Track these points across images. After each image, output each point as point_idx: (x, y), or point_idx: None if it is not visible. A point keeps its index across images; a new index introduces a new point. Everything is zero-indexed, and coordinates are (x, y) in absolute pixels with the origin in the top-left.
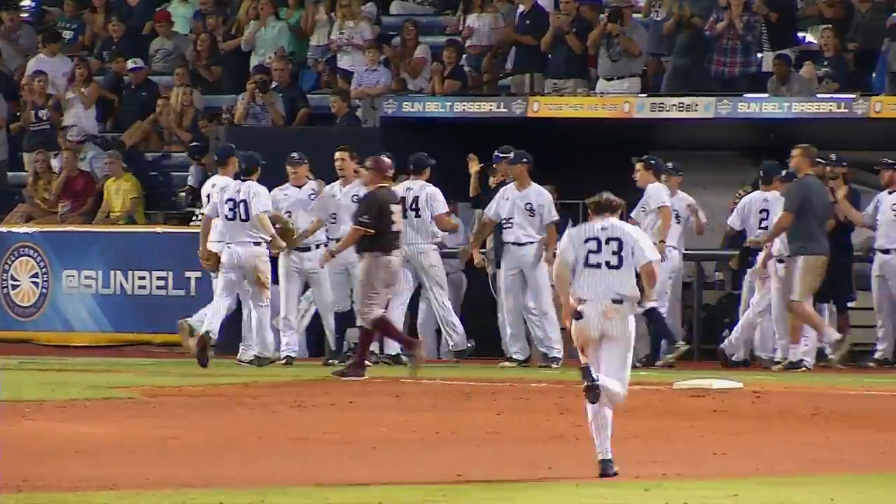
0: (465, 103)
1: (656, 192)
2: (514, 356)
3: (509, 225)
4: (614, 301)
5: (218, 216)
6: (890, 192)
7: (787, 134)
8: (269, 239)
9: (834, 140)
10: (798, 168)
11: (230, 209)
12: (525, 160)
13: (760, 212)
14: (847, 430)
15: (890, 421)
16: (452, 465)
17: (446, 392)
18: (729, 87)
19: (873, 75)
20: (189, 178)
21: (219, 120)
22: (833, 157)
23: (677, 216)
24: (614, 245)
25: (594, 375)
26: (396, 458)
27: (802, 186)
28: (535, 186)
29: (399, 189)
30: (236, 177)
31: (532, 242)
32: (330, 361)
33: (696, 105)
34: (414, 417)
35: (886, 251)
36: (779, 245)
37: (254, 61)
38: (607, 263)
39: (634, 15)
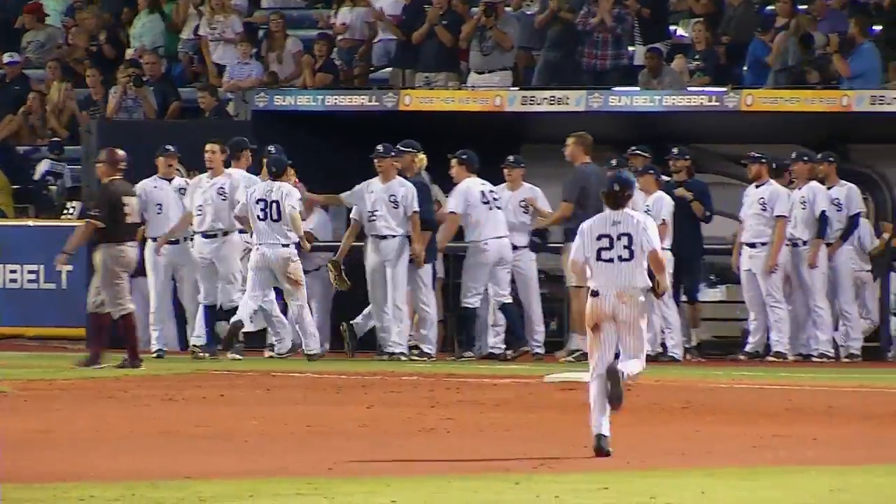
0: (336, 97)
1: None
2: (392, 349)
3: (374, 218)
4: (626, 287)
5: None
6: (757, 186)
7: (660, 127)
8: (298, 239)
9: (706, 133)
10: (573, 157)
11: (262, 209)
12: (392, 153)
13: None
14: (718, 424)
15: (760, 414)
16: (323, 459)
17: (317, 385)
18: (600, 81)
19: (745, 68)
20: (38, 170)
21: (90, 112)
22: (675, 150)
23: (525, 208)
24: (625, 240)
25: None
26: (267, 451)
27: (580, 175)
28: (399, 179)
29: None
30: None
31: (395, 236)
32: (200, 355)
33: (568, 98)
34: (285, 411)
35: (753, 245)
36: None
37: (128, 54)
38: (620, 258)
39: (507, 8)
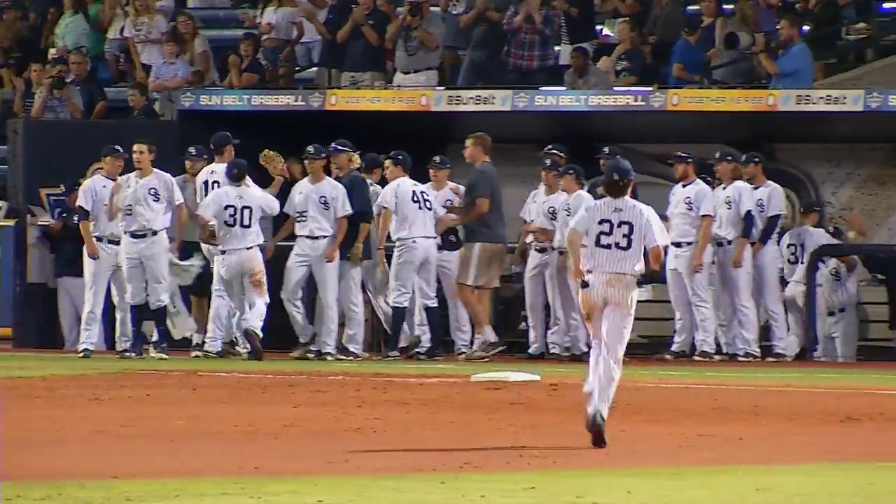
0: (262, 97)
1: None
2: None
3: (303, 219)
4: (617, 273)
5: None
6: (684, 186)
7: (587, 127)
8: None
9: (632, 133)
10: (473, 157)
11: (231, 215)
12: (322, 155)
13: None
14: (644, 423)
15: (687, 414)
16: (250, 458)
17: (243, 385)
18: (527, 81)
19: (672, 68)
20: None
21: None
22: (606, 149)
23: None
24: (625, 228)
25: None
26: (194, 451)
27: (489, 173)
28: (328, 180)
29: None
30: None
31: (325, 237)
32: (127, 354)
33: (493, 98)
34: (211, 410)
35: (678, 244)
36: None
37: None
38: (617, 244)
39: (432, 8)
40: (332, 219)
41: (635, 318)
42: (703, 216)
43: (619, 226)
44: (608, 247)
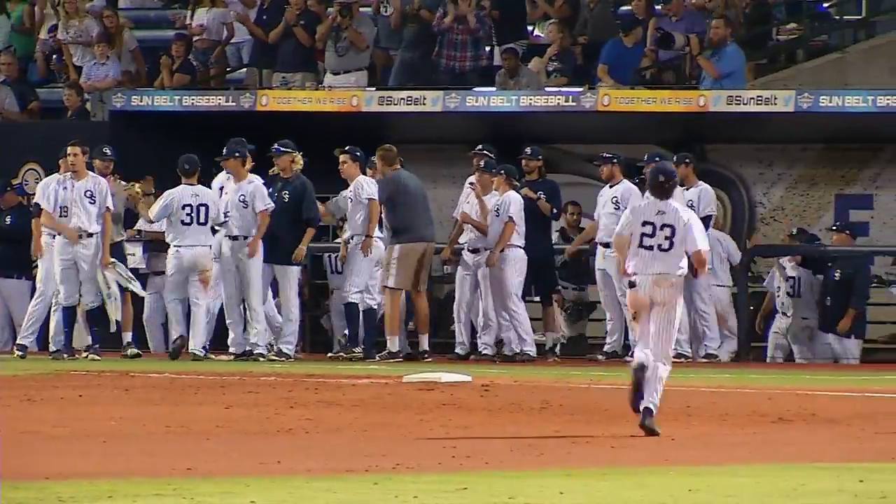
0: (193, 97)
1: (367, 184)
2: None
3: (227, 219)
4: (662, 273)
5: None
6: (611, 186)
7: (519, 128)
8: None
9: (564, 133)
10: (381, 173)
11: (188, 214)
12: (237, 154)
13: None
14: (576, 424)
15: (619, 414)
16: (182, 459)
17: (175, 386)
18: (459, 81)
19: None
20: None
21: None
22: (529, 150)
23: None
24: (667, 231)
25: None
26: (126, 452)
27: (389, 181)
28: (253, 177)
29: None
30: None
31: (247, 236)
32: (59, 355)
33: (424, 98)
34: (143, 411)
35: (607, 245)
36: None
37: None
38: (659, 247)
39: (363, 9)
40: (253, 218)
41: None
42: None
43: (661, 228)
44: (651, 248)
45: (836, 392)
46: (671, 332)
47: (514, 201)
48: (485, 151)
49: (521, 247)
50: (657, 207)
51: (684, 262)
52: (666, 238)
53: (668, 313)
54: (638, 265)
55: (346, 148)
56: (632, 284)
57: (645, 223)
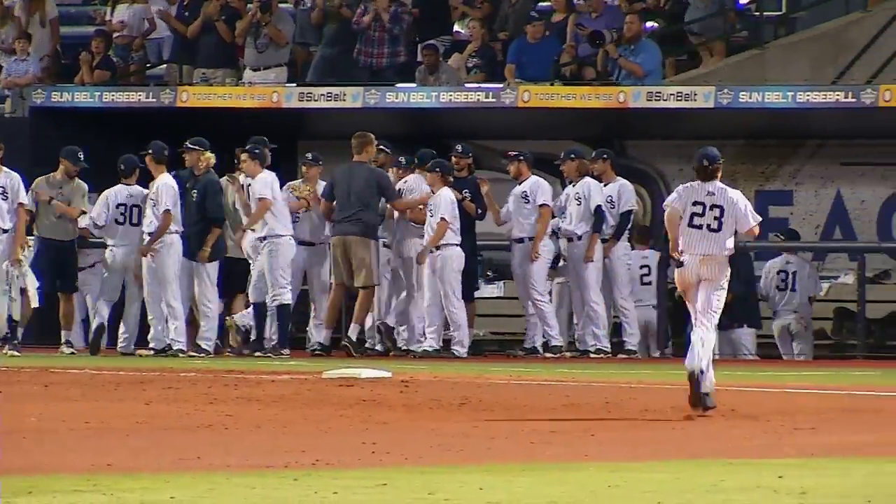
0: (114, 93)
1: (262, 182)
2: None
3: (145, 216)
4: (709, 254)
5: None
6: (520, 183)
7: (439, 124)
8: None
9: (485, 130)
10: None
11: (121, 213)
12: (150, 151)
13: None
14: (496, 420)
15: (538, 410)
16: (102, 455)
17: (95, 382)
18: (380, 78)
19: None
20: None
21: None
22: (459, 147)
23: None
24: (717, 211)
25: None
26: (46, 448)
27: (333, 173)
28: (164, 176)
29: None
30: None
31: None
32: None
33: (344, 95)
34: (63, 407)
35: (521, 241)
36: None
37: None
38: (708, 226)
39: (282, 5)
40: (158, 216)
41: (487, 316)
42: (540, 206)
43: (710, 208)
44: (700, 227)
45: (754, 388)
46: (715, 304)
47: (445, 200)
48: (381, 146)
49: (457, 244)
50: (706, 189)
51: (731, 243)
52: (715, 218)
53: (714, 286)
54: (686, 244)
55: (247, 146)
56: (679, 264)
57: (696, 203)
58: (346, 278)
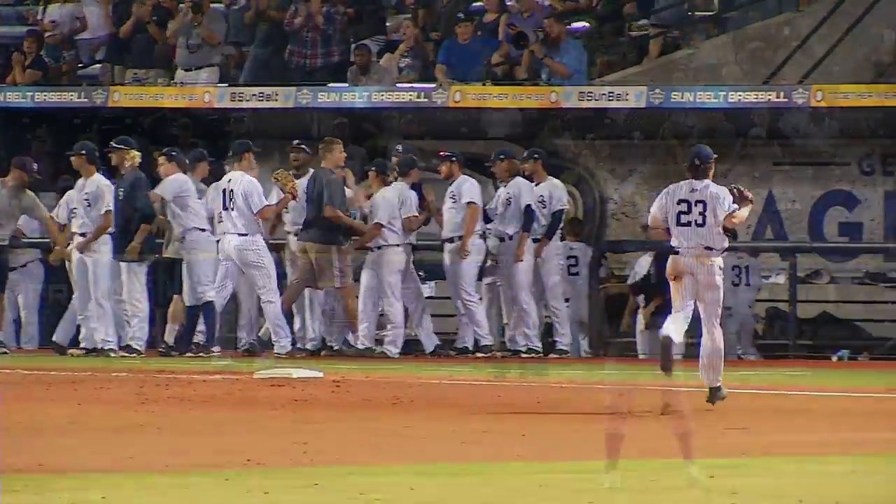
0: (46, 93)
1: (180, 184)
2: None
3: (73, 216)
4: (706, 248)
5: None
6: (451, 183)
7: (372, 124)
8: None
9: (417, 130)
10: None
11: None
12: (83, 151)
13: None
14: (428, 420)
15: (470, 410)
16: (33, 455)
17: (26, 382)
18: (312, 78)
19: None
20: None
21: None
22: (400, 147)
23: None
24: (701, 207)
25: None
26: None
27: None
28: (97, 176)
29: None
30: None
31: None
32: None
33: (276, 95)
34: None
35: (451, 240)
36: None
37: None
38: (695, 222)
39: (214, 5)
40: (95, 217)
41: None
42: (467, 203)
43: (695, 204)
44: (688, 224)
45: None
46: (717, 310)
47: (384, 202)
48: (301, 146)
49: (397, 245)
50: (691, 186)
51: (723, 239)
52: (700, 213)
53: (712, 292)
54: (679, 241)
55: (164, 149)
56: (676, 252)
57: (680, 201)
58: (312, 282)
